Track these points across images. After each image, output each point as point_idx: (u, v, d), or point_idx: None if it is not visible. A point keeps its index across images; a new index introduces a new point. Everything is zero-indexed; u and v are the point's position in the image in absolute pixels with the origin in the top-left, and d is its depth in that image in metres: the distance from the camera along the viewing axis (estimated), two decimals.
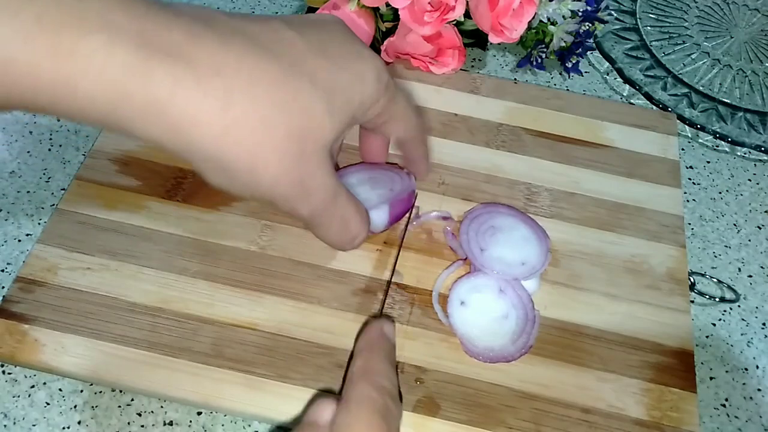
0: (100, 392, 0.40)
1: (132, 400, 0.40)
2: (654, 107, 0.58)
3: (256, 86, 0.28)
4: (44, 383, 0.40)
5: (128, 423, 0.39)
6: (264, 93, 0.28)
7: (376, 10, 0.52)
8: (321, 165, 0.31)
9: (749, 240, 0.51)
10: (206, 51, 0.27)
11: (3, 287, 0.44)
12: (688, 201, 0.53)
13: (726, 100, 0.59)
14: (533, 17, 0.49)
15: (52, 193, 0.48)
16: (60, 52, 0.25)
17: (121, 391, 0.40)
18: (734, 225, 0.52)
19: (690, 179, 0.54)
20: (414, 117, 0.39)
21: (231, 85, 0.27)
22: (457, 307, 0.41)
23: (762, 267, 0.50)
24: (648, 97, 0.58)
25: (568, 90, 0.58)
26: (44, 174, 0.49)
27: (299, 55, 0.30)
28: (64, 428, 0.39)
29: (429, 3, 0.48)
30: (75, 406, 0.40)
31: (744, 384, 0.44)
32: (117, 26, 0.25)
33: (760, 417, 0.43)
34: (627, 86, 0.59)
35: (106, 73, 0.25)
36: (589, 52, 0.58)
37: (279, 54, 0.29)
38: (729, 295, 0.48)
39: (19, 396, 0.40)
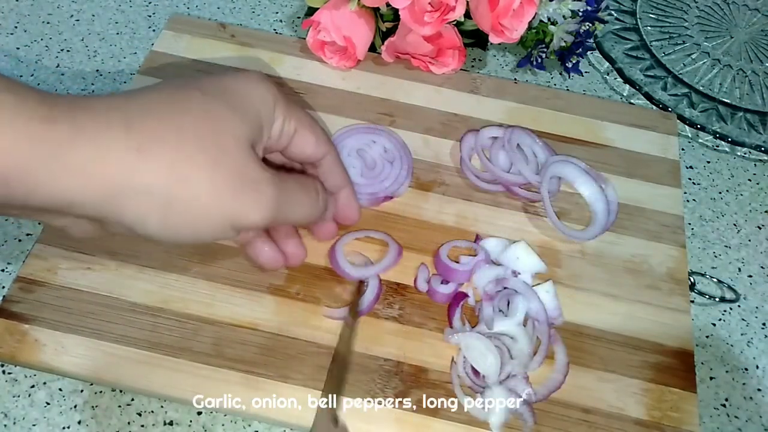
0: (100, 392, 0.40)
1: (132, 400, 0.40)
2: (654, 107, 0.58)
3: (160, 135, 0.29)
4: (44, 383, 0.40)
5: (128, 423, 0.39)
6: (171, 126, 0.30)
7: (376, 10, 0.52)
8: (249, 159, 0.32)
9: (749, 240, 0.51)
10: (113, 128, 0.28)
11: (3, 287, 0.44)
12: (688, 201, 0.53)
13: (726, 100, 0.59)
14: (533, 17, 0.49)
15: None
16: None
17: (121, 391, 0.40)
18: (734, 225, 0.52)
19: (690, 179, 0.54)
20: (321, 131, 0.38)
21: (141, 142, 0.28)
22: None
23: (762, 267, 0.50)
24: (648, 97, 0.58)
25: (568, 90, 0.58)
26: None
27: (191, 86, 0.32)
28: (64, 428, 0.39)
29: (429, 3, 0.48)
30: (75, 406, 0.40)
31: (744, 384, 0.44)
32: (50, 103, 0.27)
33: (760, 417, 0.43)
34: (627, 86, 0.59)
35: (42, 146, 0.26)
36: (589, 52, 0.58)
37: (181, 108, 0.31)
38: (729, 295, 0.48)
39: (19, 396, 0.40)
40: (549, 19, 0.50)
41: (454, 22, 0.50)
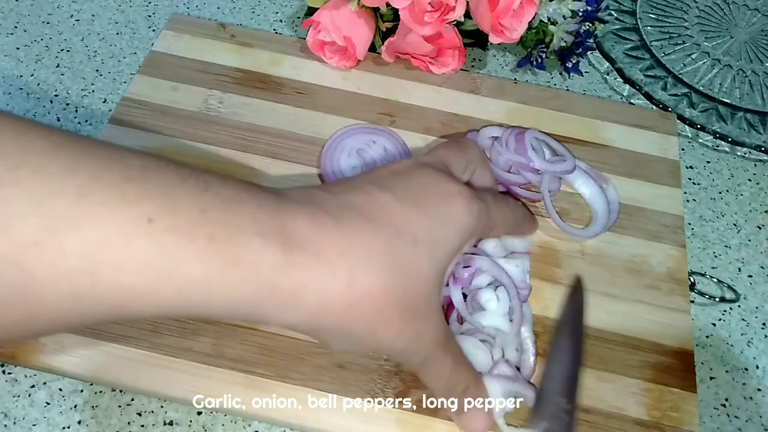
0: (100, 392, 0.40)
1: (132, 400, 0.40)
2: (654, 107, 0.58)
3: (372, 260, 0.30)
4: (44, 383, 0.40)
5: (128, 423, 0.39)
6: (379, 264, 0.30)
7: (376, 10, 0.52)
8: (432, 315, 0.33)
9: (749, 240, 0.51)
10: (329, 237, 0.29)
11: None
12: (688, 201, 0.53)
13: (726, 100, 0.59)
14: (533, 17, 0.49)
15: None
16: (228, 264, 0.27)
17: (121, 391, 0.40)
18: (734, 225, 0.52)
19: (690, 179, 0.54)
20: (510, 218, 0.39)
21: (352, 264, 0.29)
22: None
23: (762, 267, 0.50)
24: (648, 97, 0.58)
25: (568, 90, 0.58)
26: None
27: (399, 218, 0.32)
28: (64, 428, 0.39)
29: (429, 3, 0.48)
30: (75, 406, 0.40)
31: (744, 384, 0.44)
32: (264, 228, 0.28)
33: (760, 417, 0.43)
34: (627, 86, 0.59)
35: (261, 275, 0.27)
36: (589, 52, 0.58)
37: (383, 223, 0.31)
38: (729, 295, 0.48)
39: (19, 396, 0.40)
40: (549, 19, 0.50)
41: (454, 22, 0.50)
